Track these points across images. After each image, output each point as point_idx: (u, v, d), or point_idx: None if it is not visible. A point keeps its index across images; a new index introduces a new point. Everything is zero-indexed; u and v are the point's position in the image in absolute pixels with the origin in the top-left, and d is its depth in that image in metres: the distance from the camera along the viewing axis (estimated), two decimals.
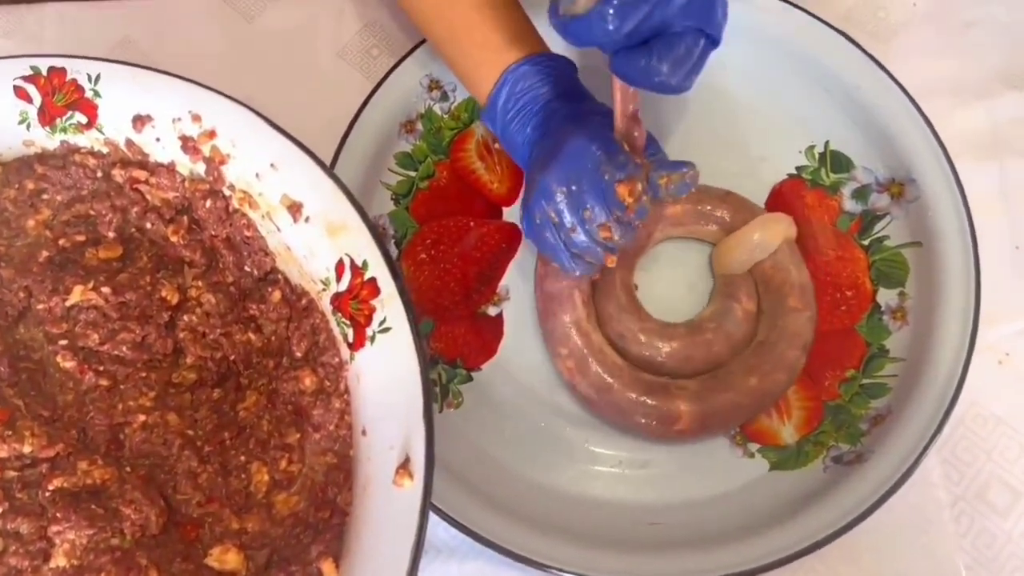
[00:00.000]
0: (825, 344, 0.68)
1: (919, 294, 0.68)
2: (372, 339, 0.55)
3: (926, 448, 0.61)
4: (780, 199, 0.72)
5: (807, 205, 0.72)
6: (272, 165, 0.59)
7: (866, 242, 0.71)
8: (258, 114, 0.59)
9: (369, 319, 0.55)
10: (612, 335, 0.67)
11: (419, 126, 0.74)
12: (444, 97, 0.75)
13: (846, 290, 0.70)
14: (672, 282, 0.71)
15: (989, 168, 0.73)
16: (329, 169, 0.58)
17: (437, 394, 0.68)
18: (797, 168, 0.73)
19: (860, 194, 0.72)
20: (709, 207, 0.70)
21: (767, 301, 0.68)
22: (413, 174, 0.74)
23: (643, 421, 0.64)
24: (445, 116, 0.75)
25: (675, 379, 0.66)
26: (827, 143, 0.74)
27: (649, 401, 0.64)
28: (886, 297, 0.69)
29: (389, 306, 0.54)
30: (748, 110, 0.75)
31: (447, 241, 0.72)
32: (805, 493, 0.63)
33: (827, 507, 0.61)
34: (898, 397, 0.65)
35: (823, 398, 0.67)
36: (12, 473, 0.55)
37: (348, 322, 0.57)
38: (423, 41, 0.73)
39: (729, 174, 0.71)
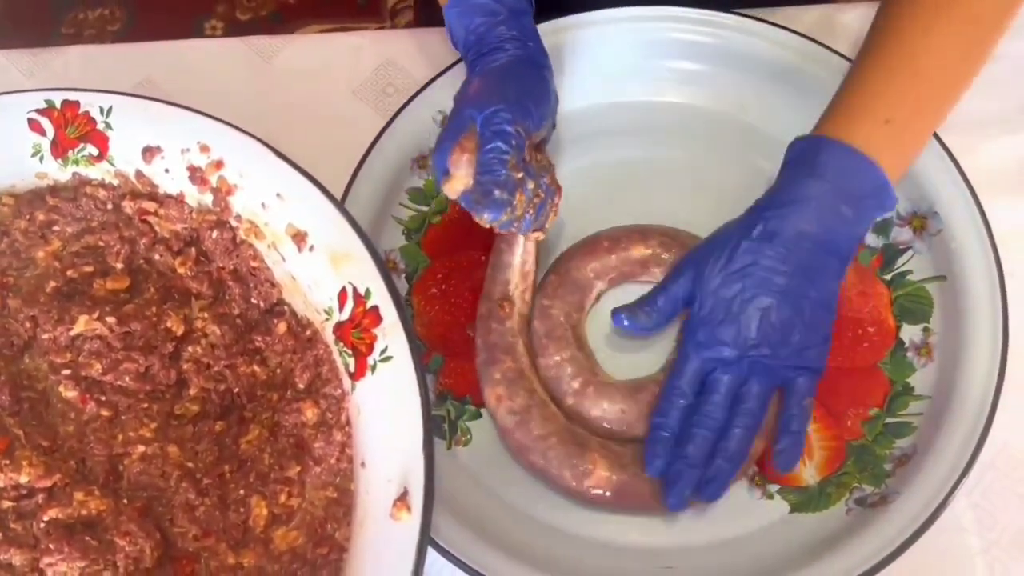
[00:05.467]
0: (847, 382, 0.66)
1: (945, 330, 0.66)
2: (373, 368, 0.54)
3: (953, 490, 0.58)
4: None
5: None
6: (278, 195, 0.59)
7: (888, 277, 0.69)
8: (265, 144, 0.59)
9: (371, 348, 0.54)
10: (550, 385, 0.65)
11: (431, 161, 0.74)
12: None
13: (868, 326, 0.68)
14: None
15: (1016, 203, 0.71)
16: (334, 198, 0.58)
17: (446, 431, 0.67)
18: None
19: (881, 228, 0.70)
20: (654, 250, 0.67)
21: None
22: (425, 209, 0.73)
23: (554, 465, 0.61)
24: None
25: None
26: None
27: (565, 445, 0.61)
28: (910, 333, 0.67)
29: (391, 335, 0.54)
30: (774, 143, 0.73)
31: (458, 276, 0.71)
32: (826, 536, 0.60)
33: (850, 551, 0.58)
34: (924, 437, 0.63)
35: (846, 437, 0.65)
36: (7, 503, 0.54)
37: (350, 351, 0.56)
38: (436, 77, 0.73)
39: (745, 208, 0.69)
